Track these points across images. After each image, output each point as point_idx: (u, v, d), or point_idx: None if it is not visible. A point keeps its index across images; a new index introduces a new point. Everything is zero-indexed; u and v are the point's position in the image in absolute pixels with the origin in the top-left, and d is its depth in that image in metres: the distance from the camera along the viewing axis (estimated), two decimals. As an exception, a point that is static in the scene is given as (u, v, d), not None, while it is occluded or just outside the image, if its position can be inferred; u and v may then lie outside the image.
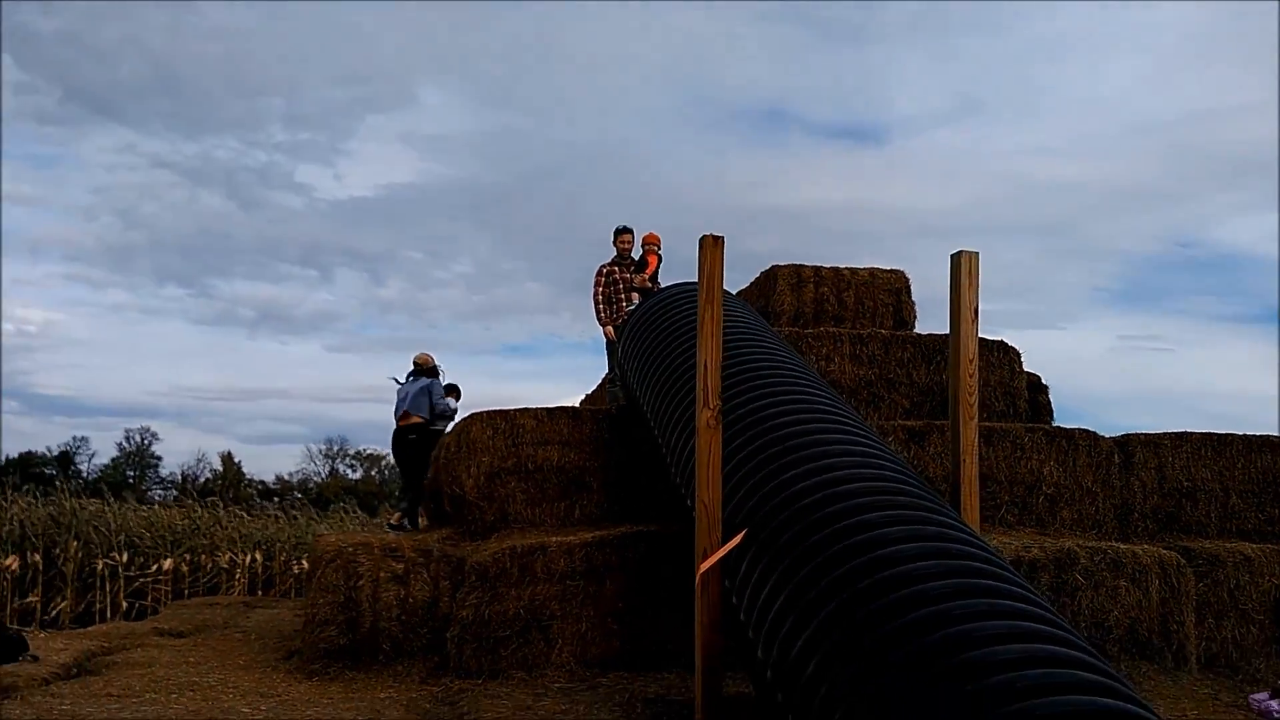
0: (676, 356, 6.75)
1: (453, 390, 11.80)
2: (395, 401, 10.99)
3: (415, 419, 10.63)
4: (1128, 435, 9.10)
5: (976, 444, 5.37)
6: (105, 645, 8.66)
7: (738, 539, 4.85)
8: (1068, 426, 9.09)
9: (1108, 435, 9.04)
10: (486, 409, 8.90)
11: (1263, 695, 6.50)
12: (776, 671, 4.16)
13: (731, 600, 4.85)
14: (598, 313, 10.35)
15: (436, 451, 9.58)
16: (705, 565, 5.04)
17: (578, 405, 9.71)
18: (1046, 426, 9.25)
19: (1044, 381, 10.74)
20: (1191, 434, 9.10)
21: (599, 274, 10.39)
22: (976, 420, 5.38)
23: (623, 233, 10.50)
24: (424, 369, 11.17)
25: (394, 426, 10.89)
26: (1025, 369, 10.30)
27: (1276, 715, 6.15)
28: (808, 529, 4.41)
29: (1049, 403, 10.66)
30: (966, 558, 3.98)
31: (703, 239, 5.38)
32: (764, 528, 4.70)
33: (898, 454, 7.73)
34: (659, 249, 10.60)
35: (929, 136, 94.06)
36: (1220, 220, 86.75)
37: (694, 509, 5.29)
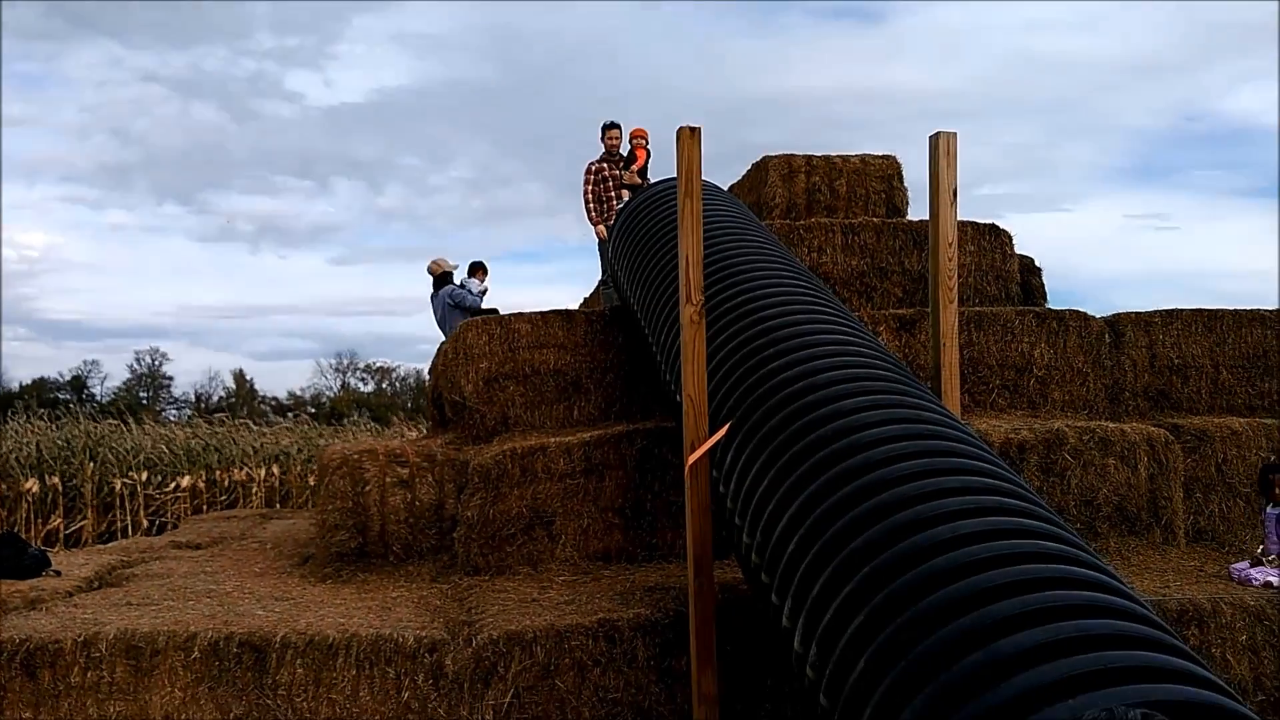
0: (662, 253, 6.78)
1: (478, 268, 11.79)
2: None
3: None
4: (1118, 315, 9.12)
5: (956, 328, 5.43)
6: (124, 559, 8.89)
7: (722, 431, 4.98)
8: (1058, 308, 9.13)
9: (1100, 316, 9.10)
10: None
11: (1243, 564, 6.68)
12: (761, 553, 4.32)
13: (719, 489, 5.00)
14: (588, 212, 10.33)
15: (435, 359, 9.71)
16: (693, 457, 5.17)
17: (574, 309, 9.77)
18: (1037, 309, 9.28)
19: (1037, 264, 10.76)
20: (1182, 310, 9.10)
21: (588, 172, 10.34)
22: (956, 304, 5.43)
23: (610, 128, 10.40)
24: (437, 277, 11.28)
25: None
26: (1018, 252, 10.29)
27: (1256, 583, 6.34)
28: (787, 417, 4.52)
29: (1042, 285, 10.68)
30: (939, 437, 4.09)
31: (679, 131, 5.37)
32: (746, 418, 4.81)
33: (886, 344, 7.82)
34: (647, 143, 10.51)
35: (930, 13, 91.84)
36: (1227, 91, 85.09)
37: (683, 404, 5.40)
